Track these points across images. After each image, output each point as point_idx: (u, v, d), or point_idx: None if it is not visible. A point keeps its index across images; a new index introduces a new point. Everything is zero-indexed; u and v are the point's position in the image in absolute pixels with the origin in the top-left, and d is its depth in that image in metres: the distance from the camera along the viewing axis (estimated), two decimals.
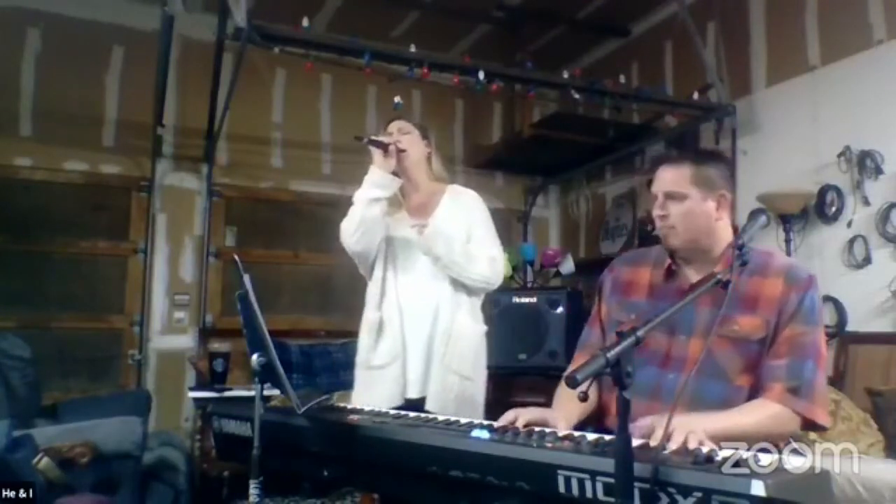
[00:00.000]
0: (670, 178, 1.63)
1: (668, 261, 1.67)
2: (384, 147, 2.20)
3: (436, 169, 2.38)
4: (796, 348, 1.52)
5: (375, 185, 2.18)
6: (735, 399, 1.53)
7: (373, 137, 2.23)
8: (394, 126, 2.34)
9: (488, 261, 2.23)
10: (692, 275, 1.64)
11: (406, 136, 2.29)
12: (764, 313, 1.55)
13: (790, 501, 0.96)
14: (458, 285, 2.21)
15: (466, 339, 2.22)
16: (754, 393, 1.54)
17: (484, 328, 2.30)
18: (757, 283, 1.57)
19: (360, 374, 2.26)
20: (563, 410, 1.61)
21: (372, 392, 2.16)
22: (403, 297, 2.22)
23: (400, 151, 2.23)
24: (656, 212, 1.64)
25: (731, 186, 1.67)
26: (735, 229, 1.66)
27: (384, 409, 1.81)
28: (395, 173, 2.22)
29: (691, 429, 1.25)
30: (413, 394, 2.17)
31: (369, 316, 2.24)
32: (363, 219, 2.18)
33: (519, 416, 1.50)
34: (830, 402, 2.96)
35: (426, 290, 2.21)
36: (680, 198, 1.60)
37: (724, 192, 1.63)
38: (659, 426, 1.24)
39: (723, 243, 1.63)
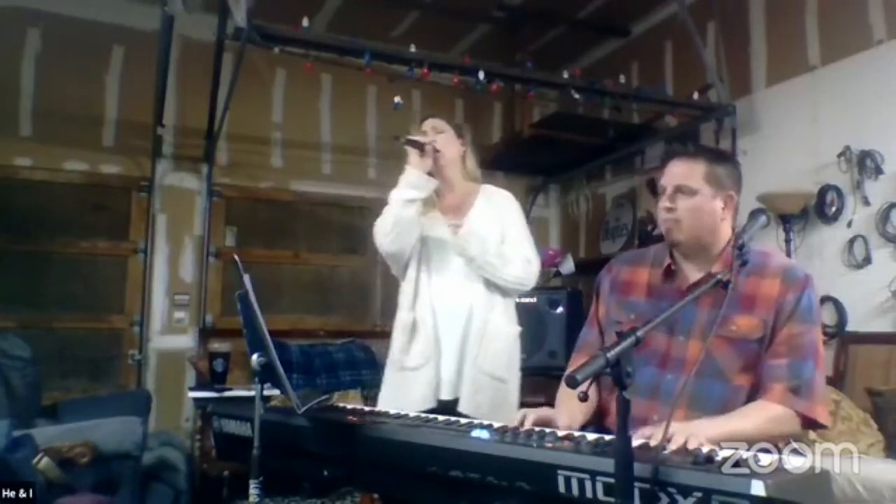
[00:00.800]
0: (683, 171, 1.63)
1: (668, 260, 1.67)
2: (421, 147, 2.17)
3: (470, 168, 2.34)
4: (795, 348, 1.52)
5: (411, 185, 2.15)
6: (734, 399, 1.53)
7: (410, 137, 2.20)
8: (428, 124, 2.30)
9: (522, 262, 2.21)
10: (691, 274, 1.65)
11: (441, 136, 2.26)
12: (761, 313, 1.55)
13: (790, 501, 0.95)
14: (492, 286, 2.19)
15: (500, 339, 2.20)
16: (754, 392, 1.54)
17: (518, 329, 2.28)
18: (754, 283, 1.57)
19: (391, 376, 2.22)
20: (566, 410, 1.62)
21: (405, 394, 2.13)
22: (437, 297, 2.19)
23: (435, 151, 2.20)
24: (664, 204, 1.63)
25: (739, 188, 1.68)
26: (733, 230, 1.67)
27: (416, 412, 1.78)
28: (429, 173, 2.19)
29: (692, 433, 1.25)
30: (446, 395, 2.15)
31: (402, 317, 2.21)
32: (398, 219, 2.14)
33: (527, 417, 1.52)
34: (830, 402, 2.96)
35: (460, 290, 2.18)
36: (690, 192, 1.60)
37: (732, 193, 1.64)
38: (659, 432, 1.24)
39: (722, 242, 1.63)
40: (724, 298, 1.34)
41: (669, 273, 1.67)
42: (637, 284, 1.73)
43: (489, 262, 2.16)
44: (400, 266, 2.26)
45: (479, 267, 2.16)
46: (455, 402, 2.13)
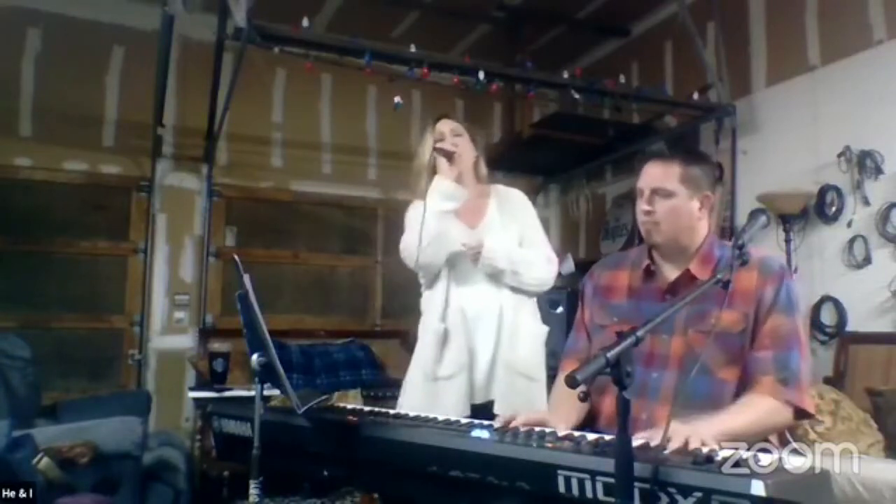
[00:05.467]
0: (659, 174, 1.65)
1: (647, 261, 1.70)
2: (450, 156, 2.14)
3: (482, 173, 2.31)
4: (779, 339, 1.55)
5: (446, 196, 2.11)
6: (720, 393, 1.54)
7: (438, 146, 2.16)
8: (446, 126, 2.25)
9: (544, 262, 2.20)
10: (670, 273, 1.67)
11: (459, 139, 2.23)
12: (741, 307, 1.57)
13: (790, 501, 0.95)
14: (517, 288, 2.18)
15: (531, 339, 2.19)
16: (739, 386, 1.55)
17: (546, 328, 2.27)
18: (732, 276, 1.58)
19: (423, 385, 2.17)
20: (561, 413, 1.62)
21: (440, 403, 2.08)
22: (467, 304, 2.16)
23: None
24: (642, 206, 1.66)
25: (715, 188, 1.71)
26: (726, 230, 1.69)
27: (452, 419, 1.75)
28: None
29: (691, 433, 1.25)
30: (479, 399, 2.13)
31: (434, 327, 2.17)
32: (438, 231, 2.09)
33: (517, 417, 1.51)
34: (831, 402, 2.97)
35: (488, 295, 2.16)
36: (667, 195, 1.63)
37: (708, 193, 1.67)
38: (659, 432, 1.24)
39: (699, 241, 1.67)
40: (703, 294, 1.35)
41: (649, 273, 1.70)
42: (618, 287, 1.75)
43: (516, 270, 2.14)
44: (432, 276, 2.22)
45: (506, 277, 2.15)
46: (488, 404, 2.10)
